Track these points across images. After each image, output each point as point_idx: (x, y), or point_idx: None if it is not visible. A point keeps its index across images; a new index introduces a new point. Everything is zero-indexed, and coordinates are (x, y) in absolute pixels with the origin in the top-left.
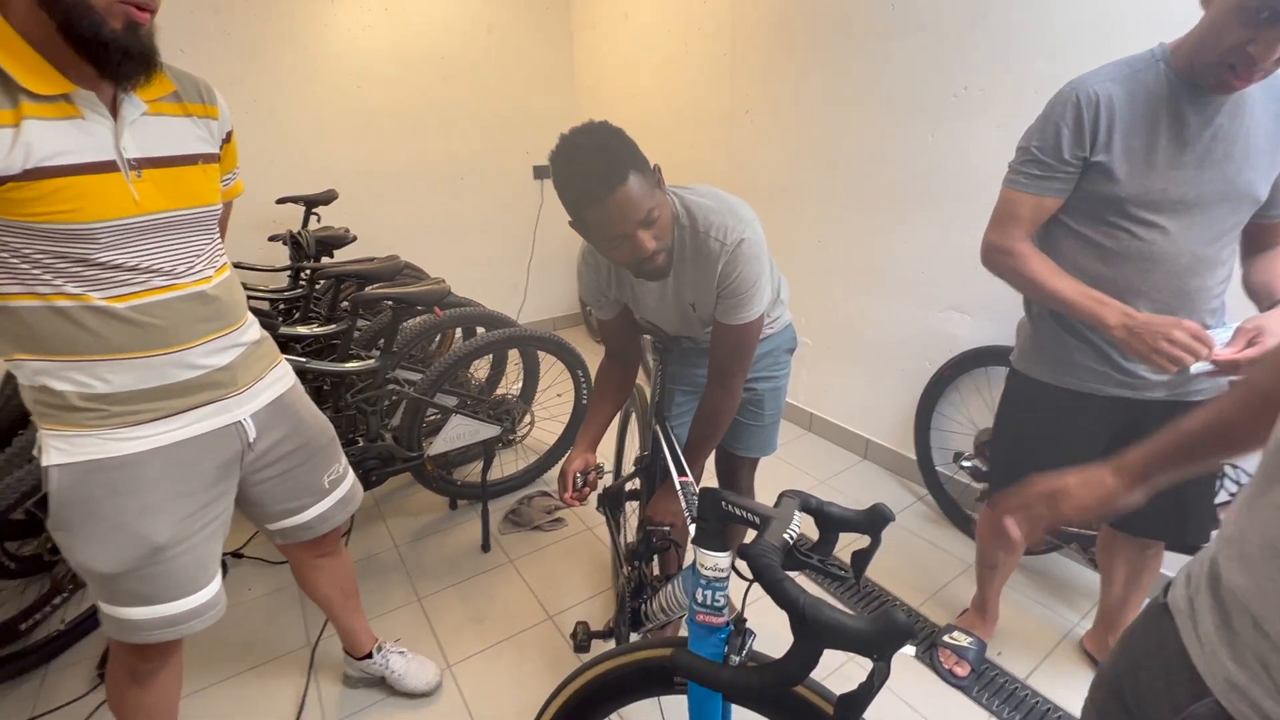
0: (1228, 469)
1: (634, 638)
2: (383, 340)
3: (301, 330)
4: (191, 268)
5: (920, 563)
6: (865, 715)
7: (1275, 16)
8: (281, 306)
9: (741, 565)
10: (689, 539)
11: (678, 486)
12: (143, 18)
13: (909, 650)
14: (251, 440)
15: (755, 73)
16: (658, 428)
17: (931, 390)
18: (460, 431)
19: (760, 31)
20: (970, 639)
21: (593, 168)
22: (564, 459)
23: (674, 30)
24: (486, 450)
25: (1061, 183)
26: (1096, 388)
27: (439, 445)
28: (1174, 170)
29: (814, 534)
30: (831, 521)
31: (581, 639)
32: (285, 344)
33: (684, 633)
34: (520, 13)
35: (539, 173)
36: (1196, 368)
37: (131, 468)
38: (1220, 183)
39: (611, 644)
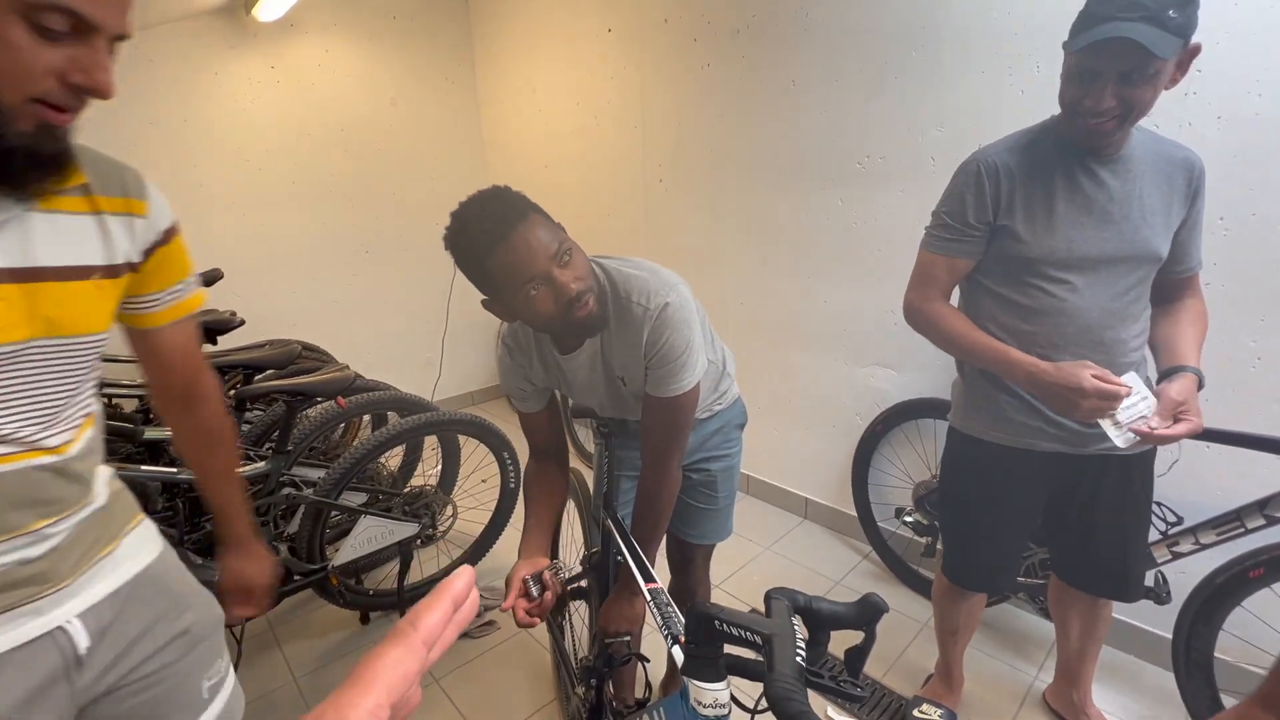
0: (1155, 508)
1: None
2: (275, 437)
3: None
4: (45, 429)
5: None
6: None
7: (1091, 74)
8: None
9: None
10: (679, 660)
11: (645, 594)
12: (61, 120)
13: None
14: (82, 652)
15: (666, 145)
16: (608, 520)
17: (865, 445)
18: (372, 534)
19: (667, 106)
20: (940, 710)
21: (487, 211)
22: (511, 569)
23: (583, 103)
24: (403, 551)
25: (971, 245)
26: (1032, 443)
27: (346, 553)
28: (1076, 230)
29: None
30: (822, 620)
31: None
32: (152, 449)
33: None
34: (424, 87)
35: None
36: (1116, 419)
37: None
38: (1119, 240)
39: None
